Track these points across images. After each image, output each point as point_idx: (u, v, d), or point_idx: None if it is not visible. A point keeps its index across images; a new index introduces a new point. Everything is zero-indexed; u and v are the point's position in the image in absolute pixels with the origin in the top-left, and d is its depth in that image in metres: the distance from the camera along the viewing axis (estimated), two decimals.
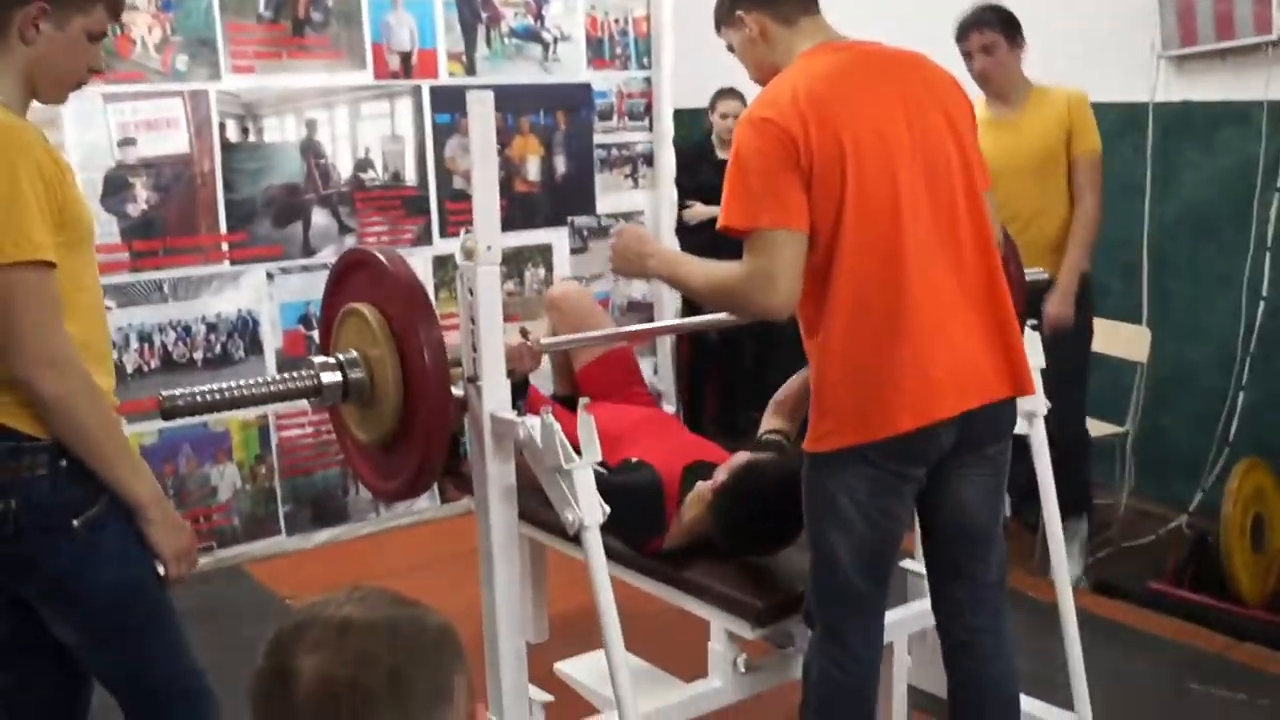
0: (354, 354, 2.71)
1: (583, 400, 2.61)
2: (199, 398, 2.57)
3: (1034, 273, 3.79)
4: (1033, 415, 3.33)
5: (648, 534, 3.13)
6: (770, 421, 3.42)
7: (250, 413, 4.96)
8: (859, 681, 2.81)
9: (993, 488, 2.77)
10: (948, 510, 2.79)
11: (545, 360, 3.25)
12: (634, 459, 3.29)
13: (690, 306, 5.61)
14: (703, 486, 3.16)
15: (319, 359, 2.72)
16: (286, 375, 2.68)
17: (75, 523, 2.38)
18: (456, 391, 2.77)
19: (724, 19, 2.78)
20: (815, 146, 2.54)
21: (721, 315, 3.28)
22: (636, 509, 3.10)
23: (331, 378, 2.69)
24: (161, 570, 2.50)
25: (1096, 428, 4.76)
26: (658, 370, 6.08)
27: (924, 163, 2.62)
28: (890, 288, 2.57)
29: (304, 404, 4.94)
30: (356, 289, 2.78)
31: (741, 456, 3.18)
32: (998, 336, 2.67)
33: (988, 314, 2.66)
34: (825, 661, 2.82)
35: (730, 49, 2.81)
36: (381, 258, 2.70)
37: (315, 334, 5.00)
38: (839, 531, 2.70)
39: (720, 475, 3.14)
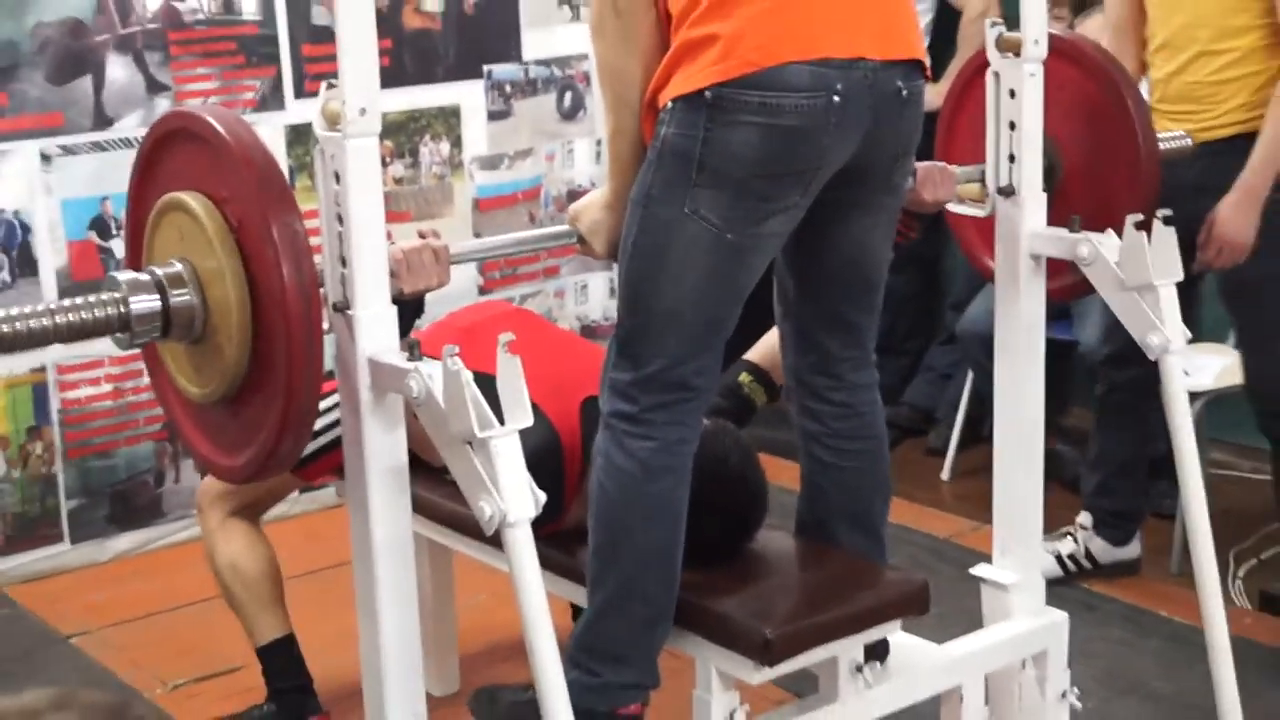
0: (178, 267, 2.68)
1: (504, 336, 2.59)
2: None
3: (1170, 136, 3.78)
4: (1164, 351, 3.33)
5: (540, 517, 3.13)
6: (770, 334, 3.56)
7: (19, 364, 4.92)
8: (658, 474, 3.01)
9: (892, 224, 3.23)
10: (844, 252, 3.16)
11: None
12: None
13: None
14: None
15: (126, 275, 2.68)
16: (78, 301, 2.64)
17: None
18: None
19: None
20: None
21: None
22: None
23: (145, 303, 2.66)
24: None
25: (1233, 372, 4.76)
26: (616, 292, 6.07)
27: None
28: None
29: (97, 354, 4.98)
30: (179, 172, 2.75)
31: None
32: None
33: None
34: (612, 447, 3.01)
35: None
36: (215, 123, 2.67)
37: (118, 245, 4.96)
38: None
39: None
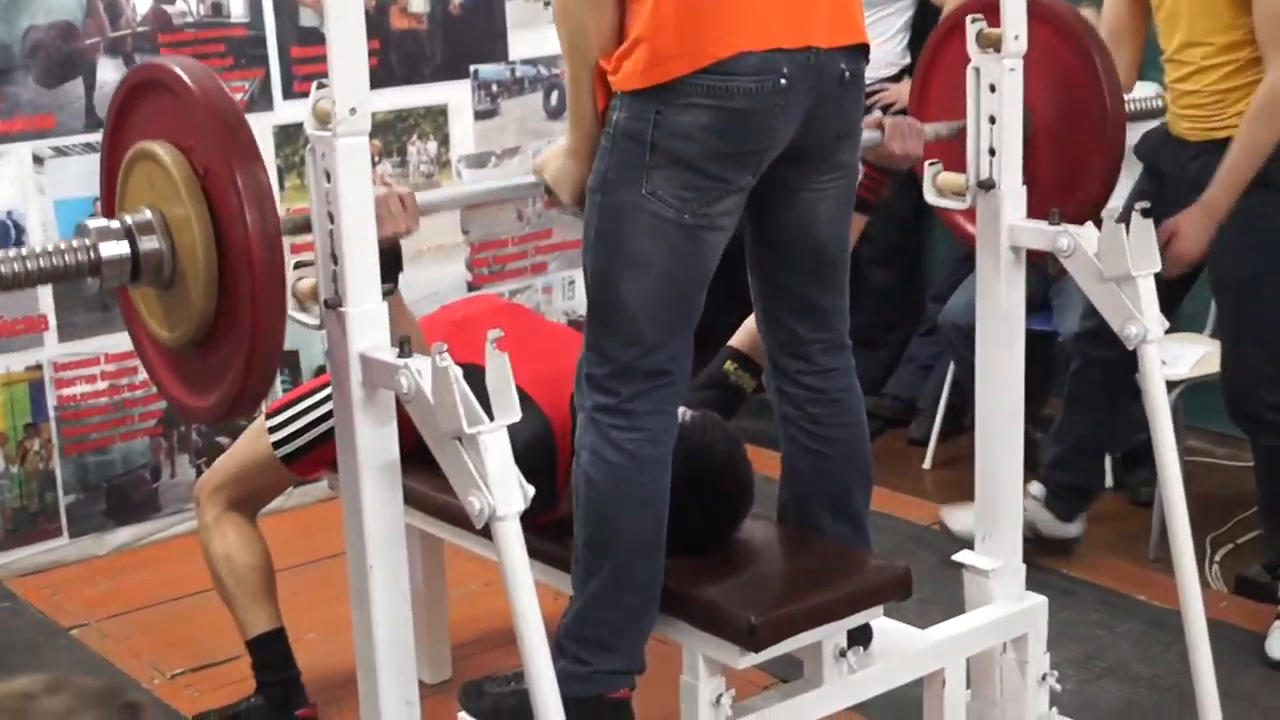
0: (147, 215, 2.73)
1: (492, 333, 2.60)
2: None
3: (1142, 97, 3.79)
4: (1142, 341, 3.34)
5: (534, 508, 3.15)
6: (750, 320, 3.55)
7: (16, 362, 4.94)
8: (647, 465, 3.02)
9: (844, 203, 3.21)
10: (792, 230, 3.15)
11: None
12: None
13: None
14: None
15: (96, 223, 2.73)
16: (49, 247, 2.69)
17: None
18: (309, 319, 2.79)
19: None
20: None
21: None
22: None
23: (115, 248, 2.70)
24: None
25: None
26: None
27: None
28: None
29: (92, 351, 4.99)
30: (148, 122, 2.79)
31: None
32: None
33: None
34: (600, 441, 3.01)
35: None
36: (182, 73, 2.70)
37: None
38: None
39: None
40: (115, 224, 2.72)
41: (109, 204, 2.90)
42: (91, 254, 2.68)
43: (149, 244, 2.70)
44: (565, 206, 3.21)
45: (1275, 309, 4.25)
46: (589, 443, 3.02)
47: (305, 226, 2.79)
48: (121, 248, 2.70)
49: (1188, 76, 4.21)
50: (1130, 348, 3.38)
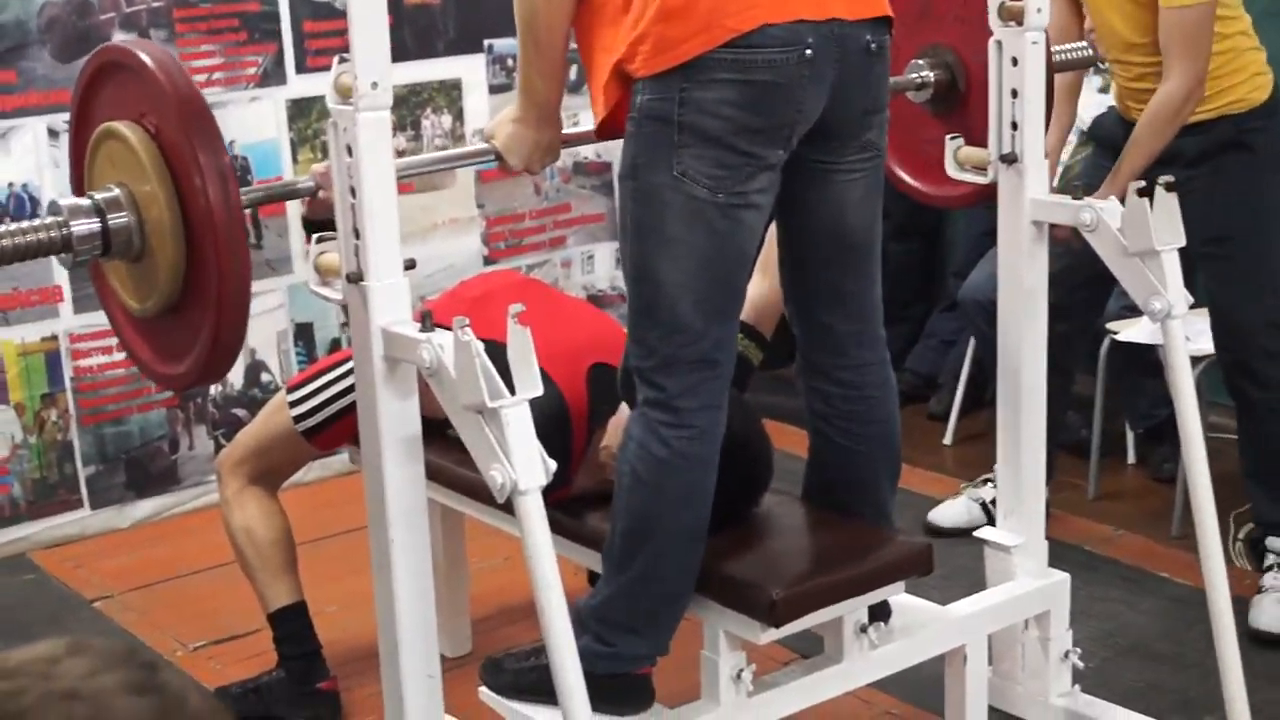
0: (115, 192, 2.80)
1: (514, 307, 2.61)
2: None
3: (1070, 47, 3.90)
4: (1166, 316, 3.34)
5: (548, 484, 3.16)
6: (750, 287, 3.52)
7: (33, 333, 4.97)
8: (693, 462, 3.01)
9: (874, 187, 3.18)
10: (822, 213, 3.13)
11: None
12: None
13: None
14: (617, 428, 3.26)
15: (67, 200, 2.82)
16: (24, 225, 2.77)
17: None
18: (332, 294, 2.81)
19: None
20: None
21: None
22: None
23: (85, 225, 2.78)
24: None
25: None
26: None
27: None
28: None
29: (108, 323, 4.99)
30: (113, 102, 2.86)
31: None
32: None
33: None
34: (647, 435, 3.00)
35: None
36: (143, 55, 2.78)
37: None
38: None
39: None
40: (86, 202, 2.80)
41: (78, 184, 2.99)
42: (64, 230, 2.77)
43: (118, 219, 2.79)
44: (515, 172, 3.26)
45: (1270, 259, 4.35)
46: (637, 434, 3.01)
47: (271, 198, 2.91)
48: (92, 225, 2.79)
49: (1141, 76, 4.24)
50: (1154, 323, 3.39)
